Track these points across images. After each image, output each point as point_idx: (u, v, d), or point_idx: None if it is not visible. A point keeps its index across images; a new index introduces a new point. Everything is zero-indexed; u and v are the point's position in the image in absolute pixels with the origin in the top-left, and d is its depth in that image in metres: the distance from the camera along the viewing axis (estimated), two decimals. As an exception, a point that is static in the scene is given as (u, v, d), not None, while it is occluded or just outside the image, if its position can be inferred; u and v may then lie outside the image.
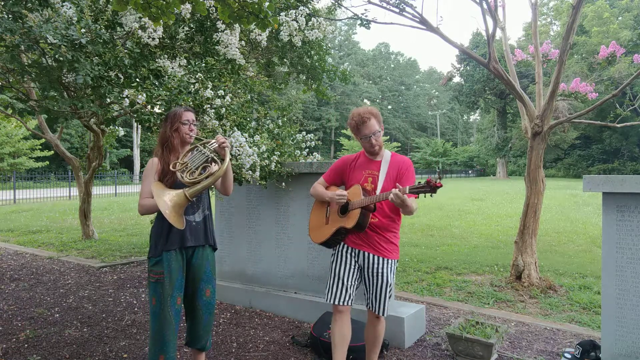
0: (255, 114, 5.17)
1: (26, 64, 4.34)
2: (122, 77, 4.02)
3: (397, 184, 2.54)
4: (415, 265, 6.27)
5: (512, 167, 47.92)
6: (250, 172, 3.64)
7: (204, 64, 4.16)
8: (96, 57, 3.81)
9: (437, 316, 4.20)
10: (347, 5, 5.22)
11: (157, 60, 4.11)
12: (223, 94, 3.87)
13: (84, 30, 3.58)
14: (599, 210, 9.69)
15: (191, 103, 3.69)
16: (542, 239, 8.36)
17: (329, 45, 7.37)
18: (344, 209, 2.73)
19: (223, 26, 4.47)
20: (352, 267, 2.73)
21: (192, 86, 3.83)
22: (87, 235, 8.35)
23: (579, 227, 10.22)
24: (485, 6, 4.72)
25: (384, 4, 4.81)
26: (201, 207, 2.61)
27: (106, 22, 4.01)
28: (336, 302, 2.67)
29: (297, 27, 5.00)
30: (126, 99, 3.46)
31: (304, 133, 4.58)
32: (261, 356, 3.33)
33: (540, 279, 5.07)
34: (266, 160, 3.84)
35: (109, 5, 4.08)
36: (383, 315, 2.71)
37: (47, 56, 3.89)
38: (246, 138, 3.75)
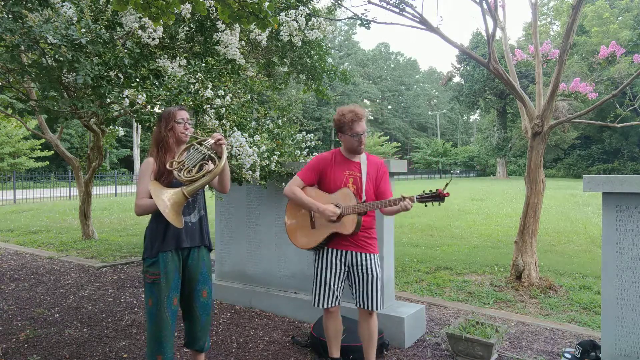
0: (255, 114, 5.16)
1: (26, 64, 4.35)
2: (122, 77, 4.02)
3: (403, 194, 2.60)
4: (415, 265, 6.26)
5: (512, 167, 47.93)
6: (250, 172, 3.64)
7: (204, 64, 4.15)
8: (96, 57, 3.81)
9: (437, 316, 4.20)
10: (347, 5, 5.22)
11: (157, 60, 4.10)
12: (223, 94, 3.87)
13: (84, 30, 3.58)
14: (599, 210, 9.69)
15: (191, 103, 3.69)
16: (542, 239, 8.36)
17: (329, 45, 7.37)
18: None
19: (223, 26, 4.47)
20: (338, 270, 2.78)
21: (192, 86, 3.83)
22: (87, 235, 8.35)
23: (579, 227, 10.22)
24: (485, 6, 4.71)
25: (384, 4, 4.81)
26: (197, 208, 2.59)
27: (106, 22, 4.00)
28: (327, 307, 2.80)
29: (297, 27, 5.00)
30: (126, 99, 3.46)
31: (304, 133, 4.59)
32: (261, 356, 3.33)
33: (540, 279, 5.07)
34: (266, 160, 3.85)
35: (109, 5, 4.08)
36: (378, 309, 2.74)
37: (47, 56, 3.89)
38: (246, 138, 3.75)
